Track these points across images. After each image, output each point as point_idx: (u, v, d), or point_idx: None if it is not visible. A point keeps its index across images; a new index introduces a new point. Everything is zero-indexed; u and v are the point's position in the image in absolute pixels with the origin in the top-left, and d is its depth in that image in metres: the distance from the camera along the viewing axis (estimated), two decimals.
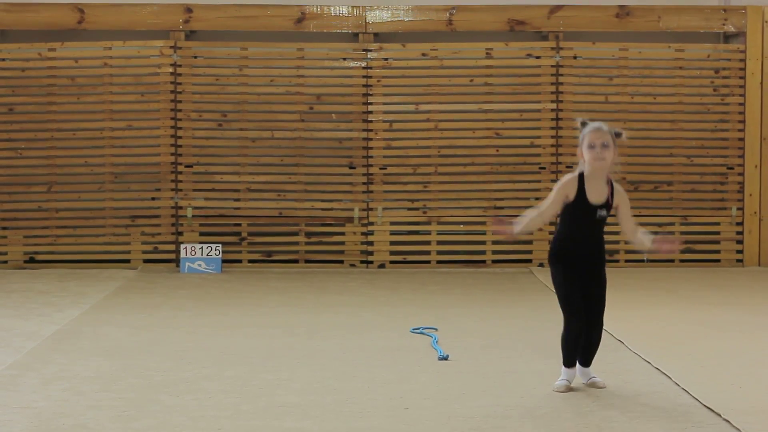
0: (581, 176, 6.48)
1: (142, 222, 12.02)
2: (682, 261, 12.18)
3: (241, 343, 7.90)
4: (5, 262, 11.95)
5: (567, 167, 11.63)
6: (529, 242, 12.07)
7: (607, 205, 6.51)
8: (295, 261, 12.08)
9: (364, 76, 12.06)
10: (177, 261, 11.94)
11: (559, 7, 12.09)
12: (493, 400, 6.22)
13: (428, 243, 12.13)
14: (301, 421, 5.76)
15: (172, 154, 11.99)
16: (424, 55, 12.09)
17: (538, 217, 6.65)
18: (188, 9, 12.00)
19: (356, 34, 12.14)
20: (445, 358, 7.30)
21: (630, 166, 12.07)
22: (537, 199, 12.03)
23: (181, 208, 12.01)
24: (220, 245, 11.78)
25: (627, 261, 12.08)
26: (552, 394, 6.36)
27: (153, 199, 12.03)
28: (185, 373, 6.89)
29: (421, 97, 12.09)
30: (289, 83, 12.05)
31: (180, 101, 11.97)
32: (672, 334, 8.24)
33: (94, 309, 9.37)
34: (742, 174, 12.19)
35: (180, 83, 11.97)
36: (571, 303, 6.49)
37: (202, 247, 11.73)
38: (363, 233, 12.09)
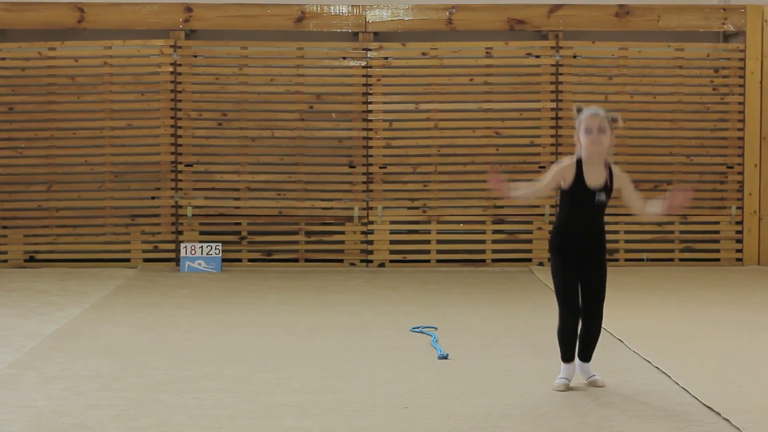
0: (579, 161, 6.48)
1: (142, 221, 12.02)
2: (681, 260, 12.18)
3: (241, 342, 7.90)
4: (5, 261, 11.96)
5: None
6: (529, 241, 12.07)
7: (606, 188, 6.49)
8: (295, 260, 12.08)
9: (364, 75, 12.07)
10: (177, 260, 11.94)
11: (558, 6, 12.09)
12: (493, 399, 6.22)
13: (428, 242, 12.14)
14: (301, 420, 5.76)
15: (172, 153, 12.00)
16: (423, 54, 12.09)
17: (531, 192, 6.69)
18: (188, 8, 12.01)
19: (356, 34, 12.14)
20: (445, 357, 7.31)
21: (630, 165, 12.07)
22: (536, 198, 12.04)
23: (181, 207, 12.01)
24: (220, 244, 11.79)
25: (627, 260, 12.09)
26: (551, 393, 6.37)
27: (153, 198, 12.04)
28: (185, 372, 6.90)
29: (421, 96, 12.09)
30: (289, 82, 12.06)
31: (180, 100, 11.98)
32: (671, 333, 8.24)
33: (94, 308, 9.37)
34: (741, 173, 12.19)
35: (180, 82, 11.98)
36: (567, 295, 6.48)
37: (202, 246, 11.74)
38: (363, 232, 12.09)
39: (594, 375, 6.59)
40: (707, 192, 12.21)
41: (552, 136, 12.02)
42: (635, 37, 12.22)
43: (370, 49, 12.06)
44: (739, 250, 12.22)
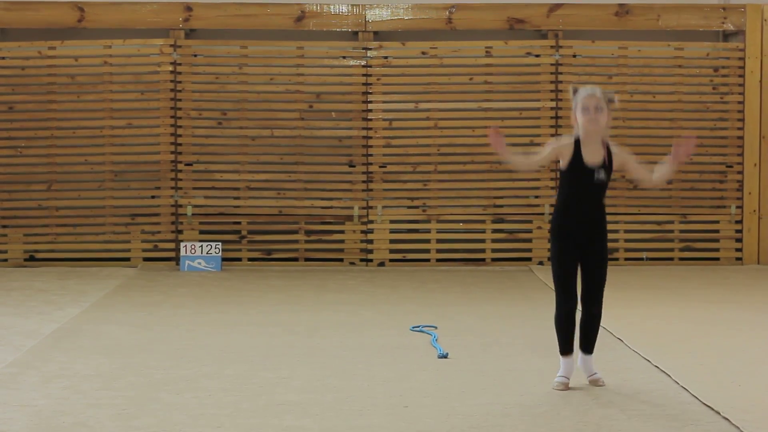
0: (577, 141, 6.47)
1: (142, 220, 12.02)
2: (681, 259, 12.19)
3: (241, 341, 7.91)
4: (5, 260, 11.96)
5: None
6: (529, 241, 12.08)
7: (605, 166, 6.47)
8: (295, 259, 12.08)
9: (363, 75, 12.07)
10: (177, 259, 11.94)
11: (558, 6, 12.10)
12: (493, 398, 6.23)
13: (428, 241, 12.14)
14: (300, 419, 5.77)
15: (172, 153, 12.00)
16: (423, 53, 12.09)
17: (526, 161, 6.72)
18: (188, 7, 12.01)
19: (356, 33, 12.14)
20: (445, 356, 7.31)
21: None
22: (536, 197, 12.06)
23: (181, 206, 12.01)
24: (219, 243, 11.79)
25: (626, 260, 12.09)
26: (551, 392, 6.37)
27: (153, 197, 12.04)
28: (185, 371, 6.90)
29: (420, 96, 12.09)
30: (288, 82, 12.06)
31: (180, 99, 11.98)
32: (671, 332, 8.24)
33: (94, 307, 9.37)
34: (741, 172, 12.19)
35: (180, 82, 11.98)
36: (564, 282, 6.47)
37: (201, 246, 11.74)
38: (363, 231, 12.10)
39: (595, 373, 6.59)
40: (707, 191, 12.21)
41: (552, 135, 12.00)
42: (635, 36, 12.23)
43: (370, 49, 12.07)
44: (739, 249, 12.22)
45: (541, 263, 11.94)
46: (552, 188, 11.84)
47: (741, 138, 12.17)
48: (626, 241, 12.12)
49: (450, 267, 11.99)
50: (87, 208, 12.01)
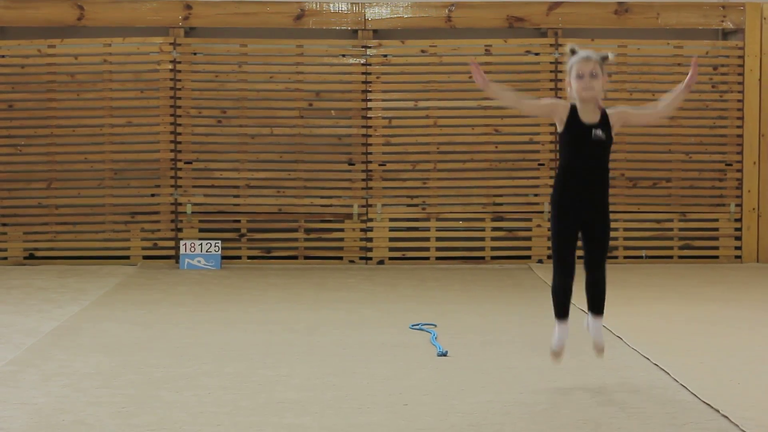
0: (573, 106, 6.43)
1: (142, 218, 12.03)
2: (680, 257, 12.20)
3: (241, 339, 7.91)
4: (5, 258, 11.96)
5: None
6: (528, 239, 12.08)
7: (602, 125, 6.41)
8: (295, 257, 12.09)
9: (363, 73, 12.07)
10: (176, 257, 11.95)
11: (558, 4, 12.10)
12: (492, 396, 6.23)
13: (427, 239, 12.14)
14: (300, 417, 5.77)
15: (171, 151, 12.00)
16: (423, 51, 12.10)
17: (514, 98, 6.62)
18: (187, 6, 12.01)
19: (355, 31, 12.15)
20: (444, 354, 7.32)
21: (629, 163, 12.10)
22: (536, 195, 12.06)
23: (180, 204, 12.01)
24: (219, 241, 11.80)
25: (626, 258, 12.10)
26: (551, 391, 6.37)
27: (152, 195, 12.04)
28: (185, 369, 6.90)
29: (420, 94, 12.10)
30: (288, 80, 12.06)
31: (179, 98, 11.98)
32: (671, 331, 8.25)
33: (94, 305, 9.38)
34: (740, 170, 12.20)
35: (179, 80, 11.98)
36: (561, 255, 6.41)
37: (201, 244, 11.75)
38: (362, 229, 12.10)
39: (600, 336, 6.54)
40: (706, 189, 12.22)
41: (551, 133, 12.01)
42: (634, 34, 12.23)
43: (370, 47, 12.07)
44: (738, 248, 12.23)
45: (540, 261, 11.95)
46: (552, 187, 11.83)
47: (740, 136, 12.17)
48: (625, 239, 12.12)
49: (449, 265, 11.99)
50: (87, 206, 12.02)
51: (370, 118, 12.06)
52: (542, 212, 12.02)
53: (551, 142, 12.03)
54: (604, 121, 6.40)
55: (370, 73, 12.06)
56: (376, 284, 10.70)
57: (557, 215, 6.43)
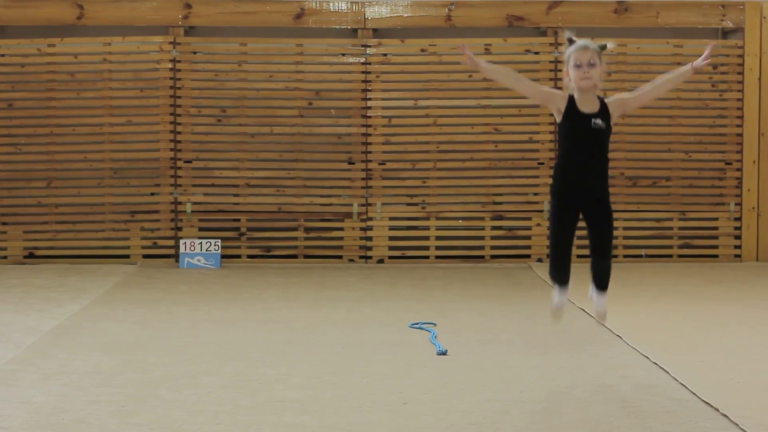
0: (571, 96, 6.42)
1: (142, 217, 12.03)
2: (680, 256, 12.20)
3: (240, 338, 7.91)
4: (5, 257, 11.97)
5: None
6: (528, 238, 12.09)
7: (601, 114, 6.39)
8: (294, 256, 12.09)
9: (363, 72, 12.07)
10: (176, 256, 11.95)
11: (557, 3, 12.10)
12: (492, 394, 6.23)
13: (427, 238, 12.15)
14: (300, 416, 5.77)
15: (171, 150, 12.01)
16: (423, 50, 12.10)
17: (513, 76, 6.57)
18: (187, 5, 12.01)
19: (355, 30, 12.15)
20: (444, 353, 7.32)
21: (628, 162, 12.10)
22: (536, 194, 12.06)
23: (180, 203, 12.02)
24: (219, 240, 11.80)
25: (625, 256, 12.10)
26: (550, 389, 6.38)
27: (152, 194, 12.04)
28: (185, 368, 6.90)
29: (419, 93, 12.10)
30: (288, 79, 12.07)
31: (179, 97, 11.98)
32: (670, 329, 8.25)
33: (94, 304, 9.38)
34: (740, 169, 12.20)
35: (179, 79, 11.98)
36: (558, 245, 6.41)
37: (201, 243, 11.75)
38: (362, 228, 12.11)
39: (603, 306, 6.56)
40: (706, 188, 12.22)
41: (551, 132, 12.02)
42: (634, 33, 12.23)
43: (369, 46, 12.07)
44: (738, 247, 12.23)
45: (540, 260, 11.95)
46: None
47: (740, 135, 12.18)
48: (625, 238, 12.12)
49: (449, 264, 12.00)
50: (86, 205, 12.02)
51: (369, 117, 12.07)
52: (542, 211, 12.02)
53: (551, 141, 12.04)
54: (603, 110, 6.40)
55: (369, 72, 12.07)
56: (376, 283, 10.70)
57: (557, 205, 6.42)
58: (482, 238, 12.14)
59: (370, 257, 12.10)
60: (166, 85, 11.96)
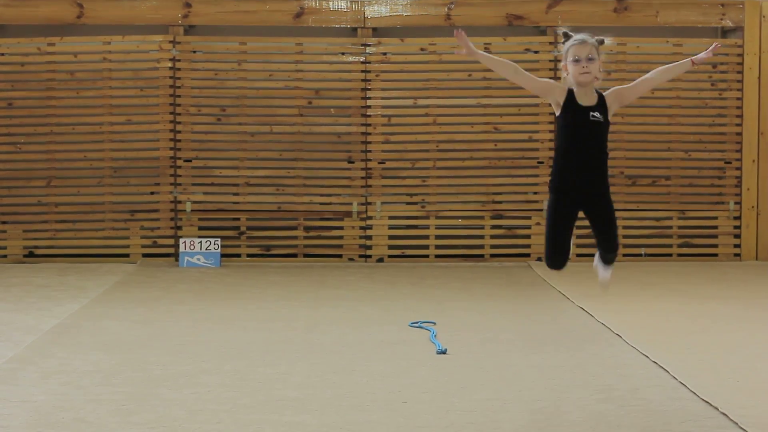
0: (570, 89, 6.42)
1: (141, 216, 12.03)
2: (679, 255, 12.21)
3: (240, 337, 7.92)
4: (5, 256, 11.97)
5: None
6: (528, 237, 12.09)
7: (599, 107, 6.39)
8: (294, 255, 12.10)
9: (362, 71, 12.08)
10: (176, 255, 11.95)
11: (557, 2, 12.11)
12: (492, 393, 6.24)
13: (427, 237, 12.15)
14: (299, 415, 5.78)
15: (171, 149, 12.01)
16: (422, 49, 12.10)
17: (511, 68, 6.55)
18: (187, 4, 12.01)
19: (355, 29, 12.15)
20: (444, 352, 7.32)
21: (628, 161, 12.10)
22: (535, 193, 12.07)
23: (180, 202, 12.02)
24: (219, 239, 11.80)
25: (625, 255, 12.10)
26: (550, 388, 6.38)
27: (152, 193, 12.05)
28: (184, 367, 6.91)
29: (419, 92, 12.10)
30: (287, 78, 12.07)
31: (179, 96, 11.99)
32: (669, 328, 8.25)
33: (94, 303, 9.39)
34: (739, 168, 12.21)
35: (179, 78, 11.98)
36: (554, 241, 6.40)
37: (201, 242, 11.75)
38: (361, 227, 12.11)
39: (607, 276, 6.60)
40: (705, 187, 12.23)
41: (550, 131, 12.02)
42: (633, 32, 12.23)
43: (369, 45, 12.07)
44: (737, 246, 12.24)
45: (539, 259, 11.95)
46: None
47: (739, 134, 12.18)
48: (624, 237, 12.12)
49: (449, 263, 12.00)
50: (86, 204, 12.02)
51: (369, 116, 12.07)
52: (541, 210, 12.02)
53: (550, 140, 12.04)
54: (601, 104, 6.40)
55: (369, 71, 12.07)
56: (376, 282, 10.70)
57: (556, 199, 6.41)
58: (482, 237, 12.14)
59: (370, 256, 12.10)
60: (166, 84, 11.96)
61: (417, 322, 8.36)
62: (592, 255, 11.63)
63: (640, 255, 12.14)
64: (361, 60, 12.07)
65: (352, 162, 12.10)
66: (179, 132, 11.99)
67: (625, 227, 12.11)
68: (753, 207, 12.20)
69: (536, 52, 12.08)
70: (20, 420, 5.66)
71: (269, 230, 12.10)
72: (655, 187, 12.17)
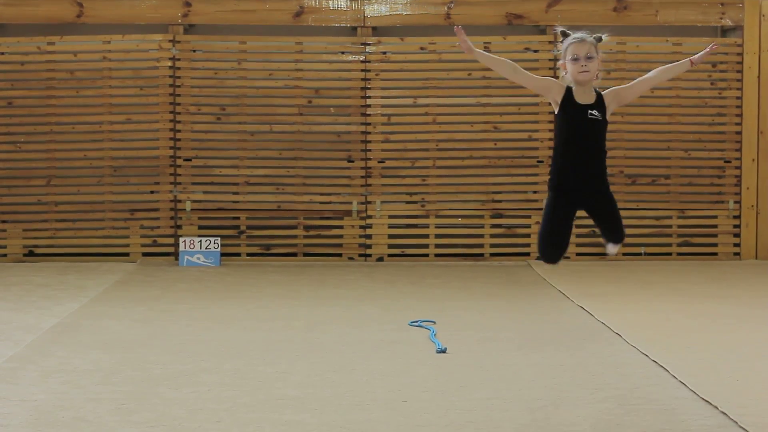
0: (569, 87, 6.43)
1: (141, 215, 12.04)
2: (679, 254, 12.21)
3: (240, 336, 7.92)
4: (5, 255, 11.97)
5: None
6: (527, 236, 12.09)
7: (598, 105, 6.39)
8: (294, 254, 12.10)
9: (362, 70, 12.08)
10: (176, 254, 11.96)
11: (557, 1, 12.11)
12: (491, 392, 6.24)
13: (426, 236, 12.15)
14: (299, 414, 5.78)
15: (170, 148, 12.01)
16: (422, 48, 12.10)
17: (509, 66, 6.54)
18: (187, 3, 12.02)
19: (354, 28, 12.15)
20: (443, 351, 7.32)
21: (628, 160, 12.11)
22: (535, 192, 12.07)
23: (179, 201, 12.02)
24: (218, 238, 11.81)
25: (624, 254, 12.10)
26: (550, 387, 6.38)
27: (152, 192, 12.05)
28: (184, 366, 6.91)
29: (419, 91, 12.11)
30: (287, 77, 12.07)
31: (179, 95, 11.99)
32: (669, 327, 8.26)
33: (94, 302, 9.39)
34: (739, 167, 12.21)
35: (179, 77, 11.99)
36: (548, 239, 6.40)
37: (200, 241, 11.75)
38: (361, 227, 12.11)
39: (614, 250, 6.63)
40: (705, 186, 12.23)
41: (550, 130, 12.03)
42: (633, 31, 12.23)
43: (369, 44, 12.08)
44: (737, 245, 12.24)
45: (539, 258, 11.93)
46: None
47: (739, 133, 12.19)
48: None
49: (448, 262, 12.00)
50: (86, 203, 12.03)
51: (369, 115, 12.07)
52: (541, 209, 11.98)
53: (550, 139, 12.03)
54: (600, 102, 6.41)
55: (369, 70, 12.07)
56: (375, 281, 10.71)
57: (555, 197, 6.40)
58: (481, 236, 12.14)
59: (370, 255, 12.11)
60: (166, 83, 11.96)
61: (417, 321, 8.36)
62: (592, 254, 11.70)
63: (640, 254, 12.14)
64: (361, 59, 12.07)
65: (352, 161, 12.11)
66: (179, 131, 12.00)
67: (624, 226, 12.07)
68: (752, 206, 12.20)
69: (536, 51, 12.08)
70: (20, 419, 5.66)
71: (269, 229, 12.10)
72: (654, 186, 12.18)
